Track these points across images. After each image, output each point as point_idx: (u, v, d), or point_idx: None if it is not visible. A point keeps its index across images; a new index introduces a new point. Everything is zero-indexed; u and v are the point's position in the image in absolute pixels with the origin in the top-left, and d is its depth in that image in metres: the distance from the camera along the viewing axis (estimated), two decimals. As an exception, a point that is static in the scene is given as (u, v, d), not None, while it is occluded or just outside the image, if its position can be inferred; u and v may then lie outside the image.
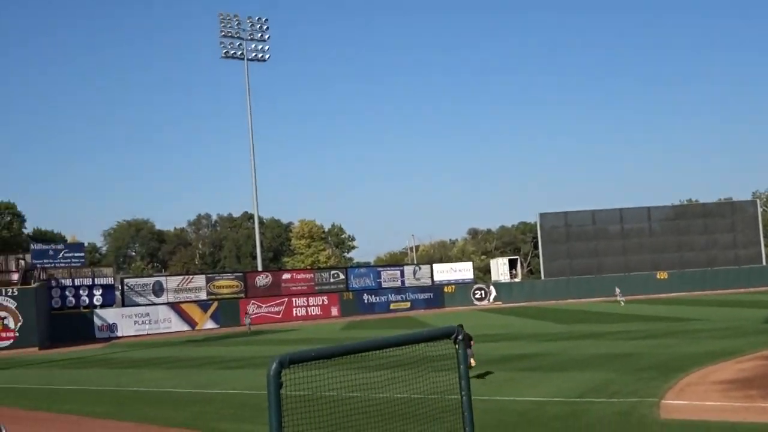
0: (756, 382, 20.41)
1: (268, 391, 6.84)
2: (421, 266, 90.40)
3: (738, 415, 16.23)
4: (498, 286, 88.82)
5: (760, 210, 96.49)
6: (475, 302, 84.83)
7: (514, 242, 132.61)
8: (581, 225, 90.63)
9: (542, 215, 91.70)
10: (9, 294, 55.58)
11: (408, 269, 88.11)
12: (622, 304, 68.66)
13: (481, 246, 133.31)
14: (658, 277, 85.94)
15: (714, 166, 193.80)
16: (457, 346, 8.99)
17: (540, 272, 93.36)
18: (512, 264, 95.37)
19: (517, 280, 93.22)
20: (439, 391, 10.22)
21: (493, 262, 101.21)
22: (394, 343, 8.39)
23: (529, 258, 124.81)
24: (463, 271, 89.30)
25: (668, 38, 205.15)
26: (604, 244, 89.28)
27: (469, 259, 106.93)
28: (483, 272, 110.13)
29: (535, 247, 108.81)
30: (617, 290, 72.52)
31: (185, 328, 69.40)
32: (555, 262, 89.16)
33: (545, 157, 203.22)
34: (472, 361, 29.76)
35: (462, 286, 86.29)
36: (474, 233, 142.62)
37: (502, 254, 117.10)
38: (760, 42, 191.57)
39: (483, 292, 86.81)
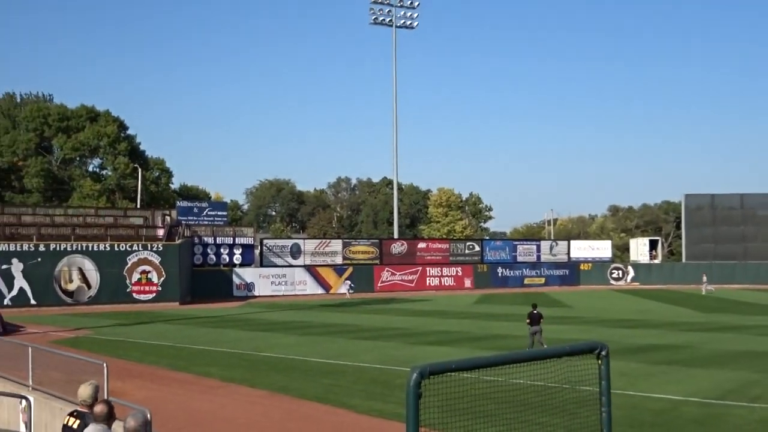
0: None
1: (406, 402, 6.70)
2: (558, 242, 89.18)
3: None
4: (636, 266, 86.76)
5: None
6: (612, 282, 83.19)
7: (655, 222, 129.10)
8: (728, 208, 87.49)
9: (687, 196, 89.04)
10: (154, 249, 57.58)
11: (544, 244, 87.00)
12: (704, 291, 67.22)
13: (621, 224, 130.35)
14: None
15: None
16: (600, 361, 8.64)
17: (681, 254, 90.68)
18: (653, 244, 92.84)
19: (656, 261, 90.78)
20: (578, 401, 9.91)
21: (632, 242, 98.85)
22: (537, 357, 8.14)
23: (670, 239, 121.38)
24: (602, 249, 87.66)
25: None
26: (752, 229, 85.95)
27: (608, 237, 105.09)
28: (621, 251, 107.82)
29: (678, 227, 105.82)
30: (704, 277, 70.54)
31: (319, 291, 70.48)
32: (698, 245, 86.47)
33: (691, 137, 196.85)
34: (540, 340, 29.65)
35: (599, 264, 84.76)
36: (615, 210, 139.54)
37: (643, 233, 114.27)
38: None
39: (620, 272, 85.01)
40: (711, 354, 27.74)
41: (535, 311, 29.40)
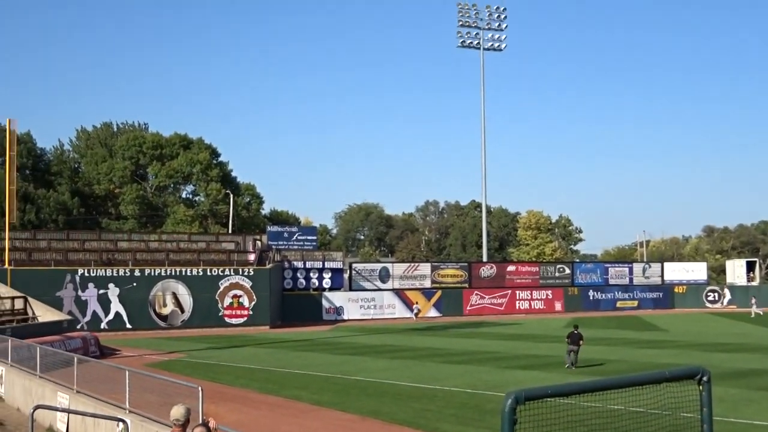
0: None
1: (501, 428, 6.57)
2: (651, 264, 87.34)
3: None
4: (733, 288, 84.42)
5: None
6: (707, 305, 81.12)
7: (752, 242, 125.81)
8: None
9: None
10: (245, 274, 58.29)
11: (637, 267, 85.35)
12: (753, 314, 65.47)
13: (716, 245, 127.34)
14: None
15: None
16: (701, 387, 8.34)
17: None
18: (750, 266, 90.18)
19: (754, 283, 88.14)
20: (677, 428, 9.59)
21: (729, 263, 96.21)
22: (634, 382, 7.89)
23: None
24: (696, 271, 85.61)
25: None
26: None
27: (702, 259, 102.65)
28: (717, 273, 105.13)
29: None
30: (753, 300, 68.64)
31: (408, 314, 70.33)
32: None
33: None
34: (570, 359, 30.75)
35: (694, 286, 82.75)
36: (709, 231, 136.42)
37: (739, 255, 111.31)
38: None
39: (716, 294, 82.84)
40: (816, 380, 26.76)
41: (576, 331, 31.34)
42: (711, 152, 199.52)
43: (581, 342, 31.32)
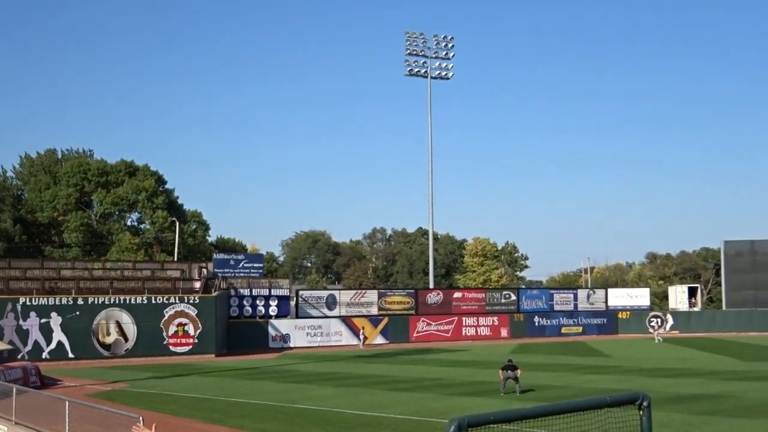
0: None
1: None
2: (595, 290, 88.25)
3: None
4: (675, 314, 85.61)
5: None
6: (650, 331, 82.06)
7: (694, 269, 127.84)
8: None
9: (727, 242, 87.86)
10: (191, 301, 57.75)
11: (582, 293, 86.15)
12: (659, 340, 67.53)
13: (659, 271, 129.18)
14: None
15: None
16: (641, 412, 8.46)
17: (721, 302, 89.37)
18: (692, 292, 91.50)
19: (696, 309, 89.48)
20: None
21: (671, 289, 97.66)
22: (576, 408, 7.97)
23: (709, 286, 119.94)
24: (640, 297, 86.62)
25: None
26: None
27: (646, 285, 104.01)
28: (660, 299, 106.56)
29: (717, 274, 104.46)
30: (655, 323, 70.42)
31: (354, 342, 70.11)
32: (739, 292, 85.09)
33: (728, 182, 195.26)
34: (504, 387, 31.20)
35: (637, 312, 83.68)
36: (652, 257, 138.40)
37: (681, 281, 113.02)
38: None
39: (659, 320, 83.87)
40: (755, 404, 27.21)
41: (509, 363, 31.88)
42: (653, 181, 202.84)
43: (518, 370, 31.41)
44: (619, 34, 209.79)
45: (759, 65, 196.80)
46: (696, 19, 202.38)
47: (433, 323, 75.18)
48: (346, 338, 70.56)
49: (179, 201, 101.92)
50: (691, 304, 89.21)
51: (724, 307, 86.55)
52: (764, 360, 48.08)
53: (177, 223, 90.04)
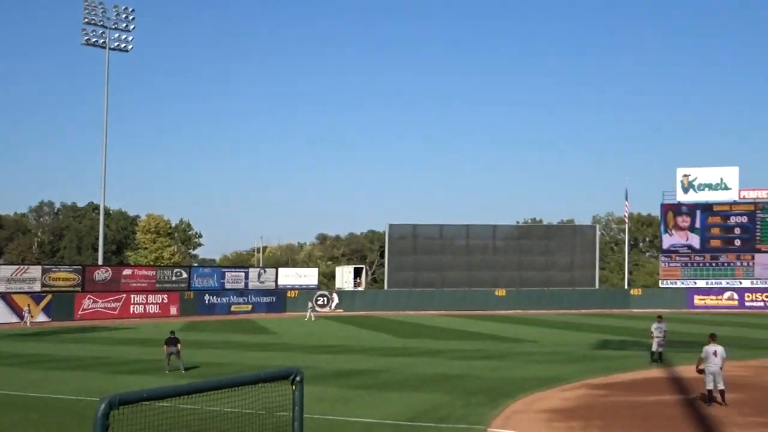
0: (578, 413, 21.22)
1: (94, 433, 6.69)
2: (266, 269, 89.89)
3: (559, 449, 16.84)
4: (341, 293, 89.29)
5: (598, 234, 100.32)
6: (317, 308, 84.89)
7: (361, 250, 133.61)
8: (429, 238, 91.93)
9: (391, 225, 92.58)
10: None
11: (253, 272, 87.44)
12: (311, 318, 71.45)
13: (328, 252, 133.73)
14: (497, 294, 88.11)
15: (560, 187, 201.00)
16: (294, 387, 9.02)
17: (384, 282, 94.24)
18: (357, 272, 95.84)
19: (360, 288, 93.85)
20: (276, 427, 10.23)
21: (338, 269, 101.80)
22: (231, 384, 8.35)
23: (374, 267, 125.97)
24: (308, 276, 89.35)
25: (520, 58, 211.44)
26: (449, 258, 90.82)
27: (315, 265, 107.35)
28: (328, 278, 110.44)
29: (381, 256, 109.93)
30: (309, 304, 74.60)
31: (14, 319, 66.55)
32: (400, 273, 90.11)
33: (399, 168, 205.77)
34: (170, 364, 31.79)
35: (305, 291, 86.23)
36: (323, 238, 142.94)
37: (349, 262, 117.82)
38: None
39: (325, 298, 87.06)
40: (407, 378, 29.16)
41: (172, 336, 32.05)
42: (321, 165, 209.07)
43: (179, 345, 31.60)
44: None
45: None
46: None
47: (101, 300, 73.07)
48: (5, 316, 66.77)
49: None
50: (356, 284, 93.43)
51: (386, 287, 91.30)
52: (418, 337, 51.48)
53: None
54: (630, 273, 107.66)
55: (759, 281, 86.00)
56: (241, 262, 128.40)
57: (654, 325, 34.11)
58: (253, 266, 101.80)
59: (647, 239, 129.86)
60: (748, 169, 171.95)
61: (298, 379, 8.94)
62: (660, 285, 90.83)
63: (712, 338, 22.76)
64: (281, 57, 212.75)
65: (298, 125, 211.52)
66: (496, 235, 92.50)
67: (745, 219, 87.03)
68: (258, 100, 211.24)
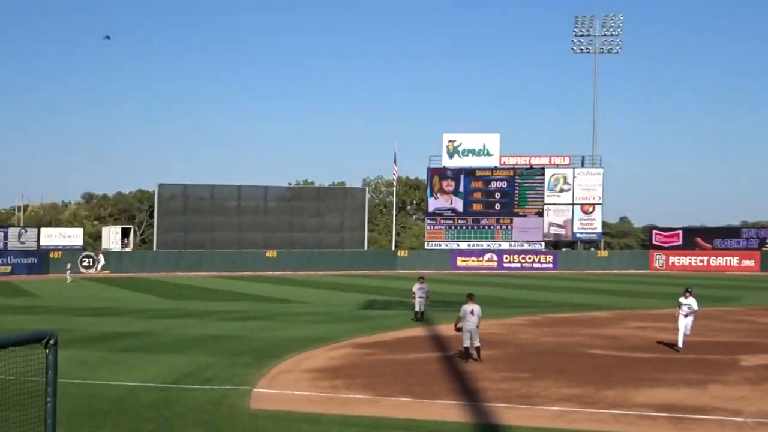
0: (343, 372, 21.77)
1: None
2: (27, 229, 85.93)
3: (322, 406, 17.20)
4: (108, 254, 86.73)
5: (368, 197, 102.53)
6: (82, 270, 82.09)
7: (129, 210, 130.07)
8: (199, 198, 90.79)
9: (161, 185, 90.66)
10: None
11: (12, 231, 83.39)
12: (69, 280, 70.14)
13: (94, 211, 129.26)
14: (267, 255, 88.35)
15: (332, 150, 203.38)
16: (48, 350, 8.76)
17: (153, 243, 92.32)
18: (125, 233, 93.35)
19: (128, 249, 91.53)
20: (31, 392, 9.91)
21: (105, 230, 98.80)
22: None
23: (143, 228, 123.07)
24: (73, 236, 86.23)
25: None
26: (220, 219, 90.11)
27: (81, 225, 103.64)
28: (94, 239, 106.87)
29: (151, 216, 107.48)
30: (68, 266, 73.57)
31: None
32: (169, 233, 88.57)
33: (168, 126, 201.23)
34: None
35: (70, 252, 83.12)
36: (89, 197, 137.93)
37: (116, 222, 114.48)
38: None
39: (91, 260, 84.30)
40: (174, 340, 28.85)
41: None
42: (95, 118, 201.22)
43: None
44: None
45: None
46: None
47: None
48: None
49: None
50: (124, 245, 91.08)
51: (155, 248, 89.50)
52: (188, 298, 51.00)
53: None
54: (398, 235, 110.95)
55: (516, 244, 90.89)
56: (0, 221, 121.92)
57: (416, 286, 35.46)
58: (13, 226, 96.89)
59: (415, 202, 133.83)
60: (509, 136, 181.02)
61: (51, 342, 8.68)
62: (426, 247, 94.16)
63: (470, 298, 23.93)
64: None
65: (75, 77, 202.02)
66: (268, 197, 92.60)
67: (504, 184, 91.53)
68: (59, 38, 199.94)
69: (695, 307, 25.72)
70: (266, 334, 30.54)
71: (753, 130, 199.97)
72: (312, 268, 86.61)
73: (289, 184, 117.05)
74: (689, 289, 26.07)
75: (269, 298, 50.29)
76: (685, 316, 25.43)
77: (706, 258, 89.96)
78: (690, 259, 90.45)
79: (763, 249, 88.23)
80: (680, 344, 25.13)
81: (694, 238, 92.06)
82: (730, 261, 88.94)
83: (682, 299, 25.69)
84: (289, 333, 30.74)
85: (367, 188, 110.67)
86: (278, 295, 53.41)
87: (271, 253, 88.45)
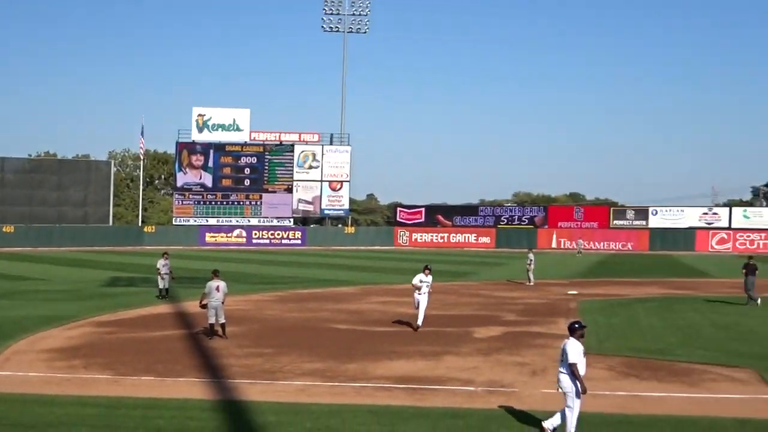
0: (81, 351, 21.07)
1: None
2: None
3: (58, 387, 16.61)
4: None
5: (113, 170, 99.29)
6: None
7: None
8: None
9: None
10: None
11: None
12: None
13: None
14: (4, 230, 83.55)
15: (76, 121, 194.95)
16: None
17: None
18: None
19: None
20: None
21: None
22: None
23: None
24: None
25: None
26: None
27: None
28: None
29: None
30: None
31: None
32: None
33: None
34: None
35: None
36: None
37: None
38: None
39: None
40: None
41: None
42: None
43: None
44: None
45: None
46: None
47: None
48: None
49: None
50: None
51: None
52: None
53: None
54: (145, 210, 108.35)
55: (265, 220, 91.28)
56: None
57: (160, 262, 34.92)
58: None
59: (163, 177, 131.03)
60: (259, 112, 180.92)
61: None
62: (174, 222, 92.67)
63: (215, 274, 23.84)
64: None
65: None
66: (6, 168, 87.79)
67: (254, 160, 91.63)
68: None
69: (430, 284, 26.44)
70: (0, 313, 28.99)
71: (492, 113, 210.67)
72: (53, 244, 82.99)
73: (29, 155, 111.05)
74: (429, 267, 26.68)
75: (4, 276, 47.56)
76: (424, 293, 25.98)
77: (446, 234, 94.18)
78: (431, 236, 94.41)
79: (499, 226, 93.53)
80: (419, 322, 25.70)
81: (435, 215, 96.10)
82: (468, 238, 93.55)
83: (422, 276, 26.00)
84: (24, 312, 29.31)
85: (112, 161, 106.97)
86: (15, 272, 50.76)
87: (9, 228, 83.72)
